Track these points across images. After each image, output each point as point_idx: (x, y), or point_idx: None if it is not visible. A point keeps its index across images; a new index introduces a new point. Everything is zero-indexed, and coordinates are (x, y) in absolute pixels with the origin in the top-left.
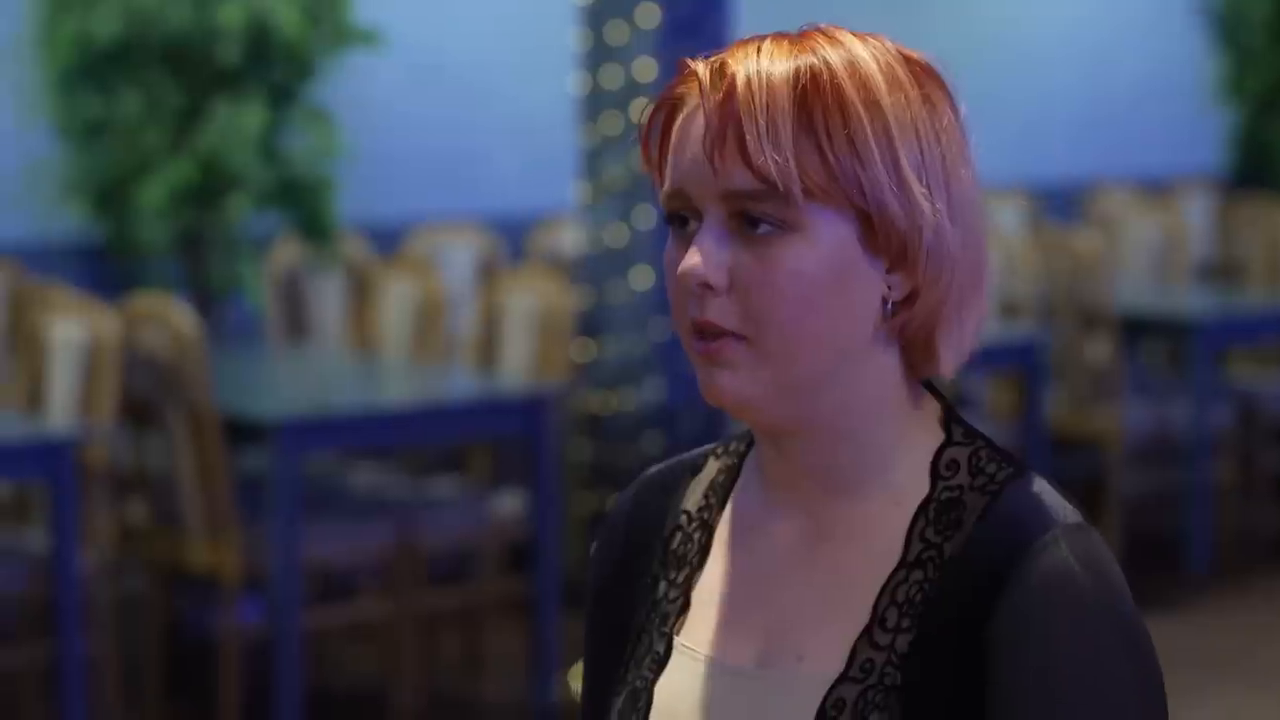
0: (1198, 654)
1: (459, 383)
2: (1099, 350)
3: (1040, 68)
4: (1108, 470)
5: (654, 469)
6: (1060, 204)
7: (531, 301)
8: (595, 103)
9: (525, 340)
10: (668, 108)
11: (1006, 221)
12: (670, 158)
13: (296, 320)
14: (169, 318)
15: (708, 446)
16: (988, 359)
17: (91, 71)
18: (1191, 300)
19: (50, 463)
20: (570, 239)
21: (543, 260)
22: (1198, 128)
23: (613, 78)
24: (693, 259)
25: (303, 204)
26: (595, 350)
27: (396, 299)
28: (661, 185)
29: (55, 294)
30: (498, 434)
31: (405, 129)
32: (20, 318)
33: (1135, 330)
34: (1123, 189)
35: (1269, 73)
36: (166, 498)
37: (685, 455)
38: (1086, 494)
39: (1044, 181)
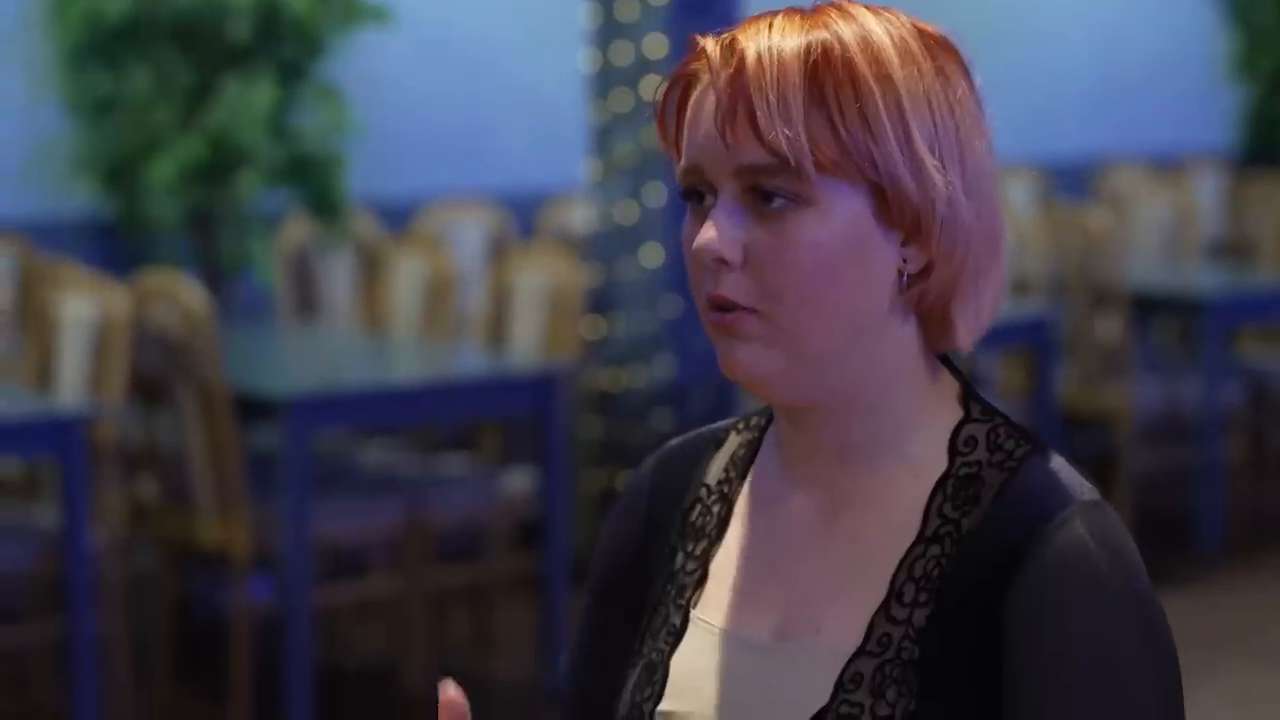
0: (1208, 632)
1: (469, 360)
2: (1110, 328)
3: (1051, 45)
4: (1118, 448)
5: (676, 441)
6: (1071, 181)
7: (542, 279)
8: (605, 79)
9: (535, 318)
10: (682, 84)
11: (1017, 199)
12: (685, 134)
13: (306, 298)
14: (179, 295)
15: (729, 420)
16: (998, 336)
17: (101, 48)
18: (1202, 278)
19: (60, 440)
20: (580, 216)
21: (553, 237)
22: (1209, 105)
23: (623, 54)
24: (708, 234)
25: (313, 181)
26: (605, 328)
27: (406, 276)
28: (678, 161)
29: (65, 271)
30: (508, 412)
31: (415, 106)
32: (30, 295)
33: (1146, 308)
34: (1133, 166)
35: None
36: (177, 475)
37: (708, 428)
38: (1097, 472)
39: (1055, 159)
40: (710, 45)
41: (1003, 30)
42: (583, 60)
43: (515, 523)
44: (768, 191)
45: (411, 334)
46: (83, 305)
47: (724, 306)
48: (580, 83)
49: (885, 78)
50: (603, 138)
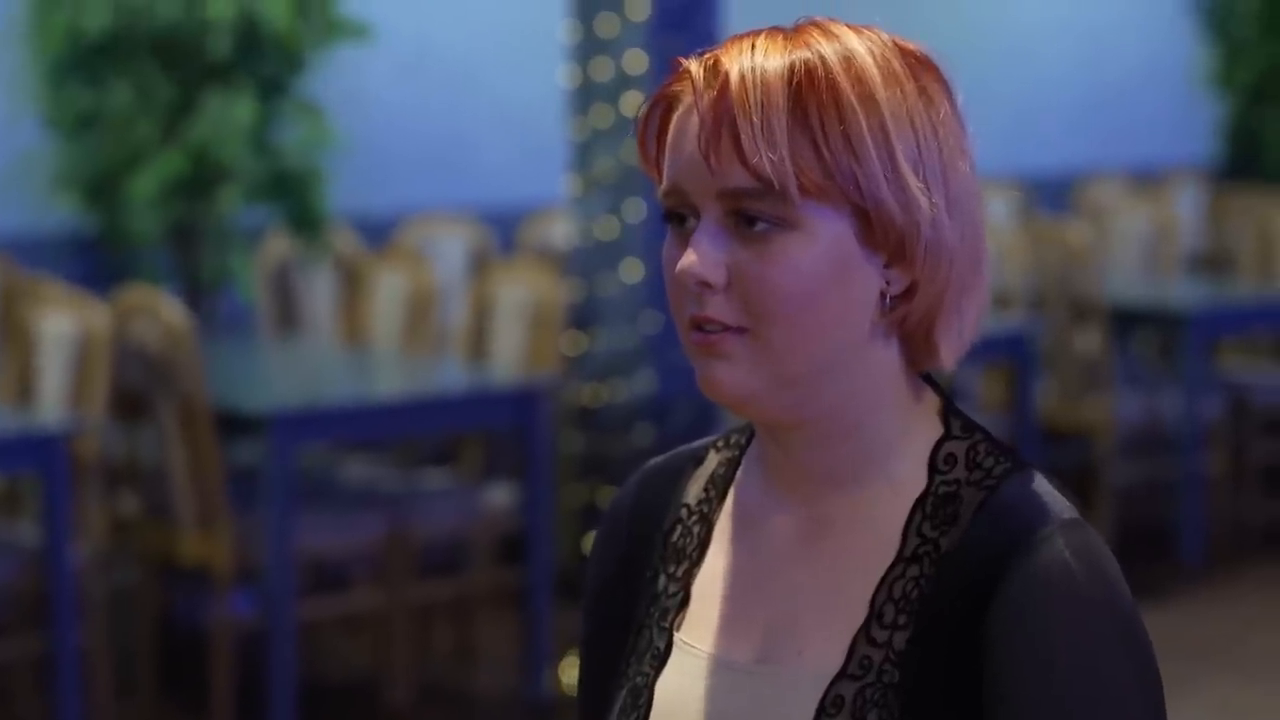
0: (1190, 644)
1: (450, 375)
2: (1089, 341)
3: (1031, 59)
4: (1099, 461)
5: (656, 460)
6: (1050, 195)
7: (522, 293)
8: (585, 95)
9: (516, 332)
10: (663, 105)
11: (997, 212)
12: (667, 156)
13: (287, 313)
14: (160, 310)
15: (709, 438)
16: (978, 351)
17: (82, 64)
18: (1182, 291)
19: (42, 455)
20: (561, 231)
21: (533, 252)
22: (1188, 118)
23: (603, 70)
24: (690, 258)
25: (293, 196)
26: (586, 342)
27: (387, 291)
28: (659, 183)
29: (46, 286)
30: (489, 426)
31: (396, 121)
32: (11, 310)
33: (1126, 321)
34: (1113, 180)
35: (1259, 63)
36: (158, 490)
37: (687, 447)
38: (1078, 484)
39: (1034, 172)
40: (694, 66)
41: (982, 45)
42: (563, 76)
43: (497, 537)
44: (751, 215)
45: (392, 349)
46: (63, 321)
47: (707, 327)
48: (561, 97)
49: (869, 98)
50: (583, 153)
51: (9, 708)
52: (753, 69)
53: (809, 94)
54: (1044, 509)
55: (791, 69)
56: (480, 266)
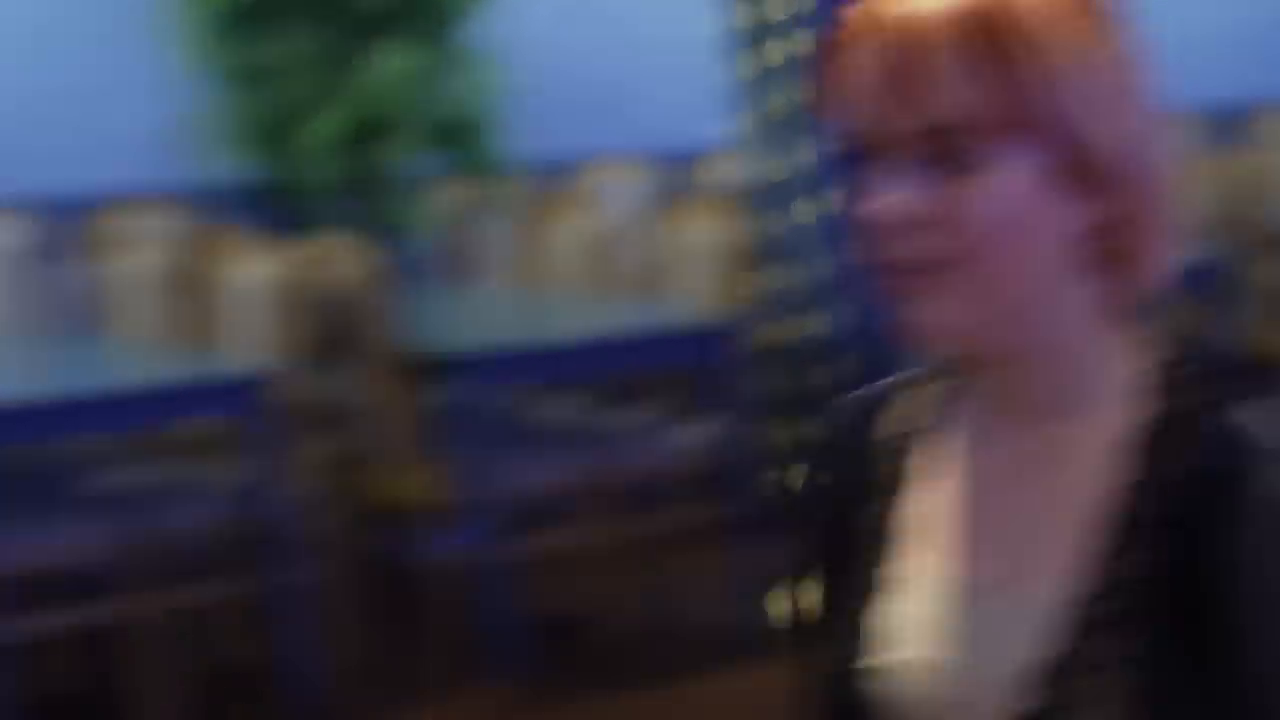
0: None
1: (634, 315)
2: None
3: None
4: None
5: (851, 395)
6: (1226, 127)
7: (703, 234)
8: (758, 33)
9: (700, 272)
10: (846, 45)
11: (1176, 144)
12: (851, 96)
13: (466, 258)
14: (349, 256)
15: (905, 373)
16: (1173, 281)
17: (247, 18)
18: None
19: (241, 400)
20: (738, 171)
21: (710, 193)
22: None
23: (776, 7)
24: (890, 197)
25: (467, 143)
26: (770, 280)
27: (565, 235)
28: (841, 125)
29: (233, 235)
30: (680, 365)
31: (562, 66)
32: (200, 260)
33: None
34: None
35: None
36: (360, 433)
37: (882, 382)
38: None
39: (1209, 104)
40: (873, 6)
41: None
42: (731, 15)
43: (697, 473)
44: (946, 153)
45: (573, 292)
46: (255, 268)
47: (911, 267)
48: (726, 39)
49: (1053, 32)
50: (756, 91)
51: (221, 648)
52: (935, 7)
53: (995, 31)
54: (1266, 436)
55: (975, 6)
56: (658, 208)
